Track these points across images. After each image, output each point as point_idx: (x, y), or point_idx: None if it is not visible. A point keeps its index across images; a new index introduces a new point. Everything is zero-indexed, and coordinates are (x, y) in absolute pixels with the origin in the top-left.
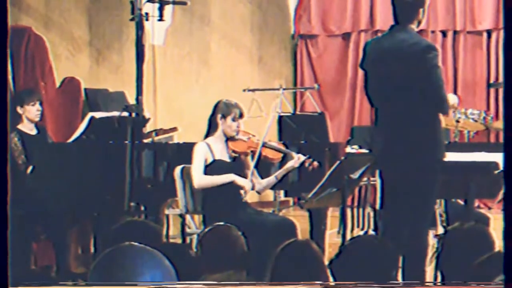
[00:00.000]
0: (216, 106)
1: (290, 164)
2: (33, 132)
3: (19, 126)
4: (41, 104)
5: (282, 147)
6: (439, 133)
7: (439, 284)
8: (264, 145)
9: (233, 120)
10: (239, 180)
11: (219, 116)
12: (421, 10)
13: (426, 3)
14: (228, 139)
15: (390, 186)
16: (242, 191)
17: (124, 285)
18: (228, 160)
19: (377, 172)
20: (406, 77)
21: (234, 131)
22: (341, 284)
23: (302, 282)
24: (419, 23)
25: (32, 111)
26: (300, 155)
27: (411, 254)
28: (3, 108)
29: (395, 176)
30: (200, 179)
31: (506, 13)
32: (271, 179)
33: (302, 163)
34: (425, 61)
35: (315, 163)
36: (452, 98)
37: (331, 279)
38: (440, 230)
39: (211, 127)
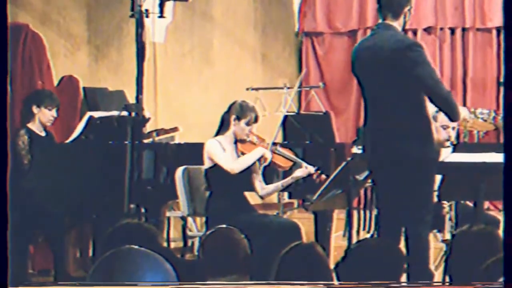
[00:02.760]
0: (231, 106)
1: (297, 174)
2: (42, 134)
3: (29, 125)
4: (57, 111)
5: (293, 155)
6: (428, 133)
7: (438, 284)
8: (274, 151)
9: (247, 124)
10: (267, 154)
11: (233, 117)
12: (406, 8)
13: (412, 1)
14: (238, 141)
15: (381, 187)
16: (262, 160)
17: (124, 285)
18: None
19: None
20: (390, 76)
21: (245, 134)
22: (345, 285)
23: (305, 283)
24: (405, 23)
25: (47, 115)
26: (309, 166)
27: (412, 256)
28: (3, 108)
29: (385, 177)
30: (235, 165)
31: (506, 13)
32: (277, 185)
33: (310, 175)
34: (409, 59)
35: (323, 176)
36: (462, 110)
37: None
38: (448, 236)
39: (223, 126)
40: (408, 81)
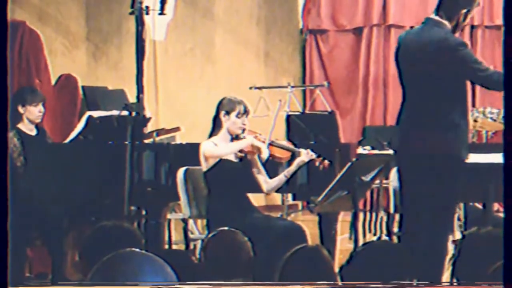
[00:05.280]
0: (219, 104)
1: (299, 160)
2: (33, 132)
3: (19, 126)
4: (43, 105)
5: (291, 145)
6: (465, 133)
7: (445, 284)
8: (272, 143)
9: (237, 116)
10: (256, 142)
11: (222, 113)
12: (463, 11)
13: (473, 6)
14: (234, 138)
15: (409, 187)
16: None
17: (124, 285)
18: (234, 160)
19: (391, 173)
20: (434, 72)
21: (238, 128)
22: (349, 285)
23: (306, 282)
24: (457, 27)
25: (34, 112)
26: (309, 150)
27: (429, 260)
28: (3, 108)
29: (415, 177)
30: (221, 150)
31: (506, 12)
32: (280, 177)
33: (311, 161)
34: (455, 58)
35: (326, 162)
36: None
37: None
38: (458, 236)
39: (215, 126)
40: (451, 78)
